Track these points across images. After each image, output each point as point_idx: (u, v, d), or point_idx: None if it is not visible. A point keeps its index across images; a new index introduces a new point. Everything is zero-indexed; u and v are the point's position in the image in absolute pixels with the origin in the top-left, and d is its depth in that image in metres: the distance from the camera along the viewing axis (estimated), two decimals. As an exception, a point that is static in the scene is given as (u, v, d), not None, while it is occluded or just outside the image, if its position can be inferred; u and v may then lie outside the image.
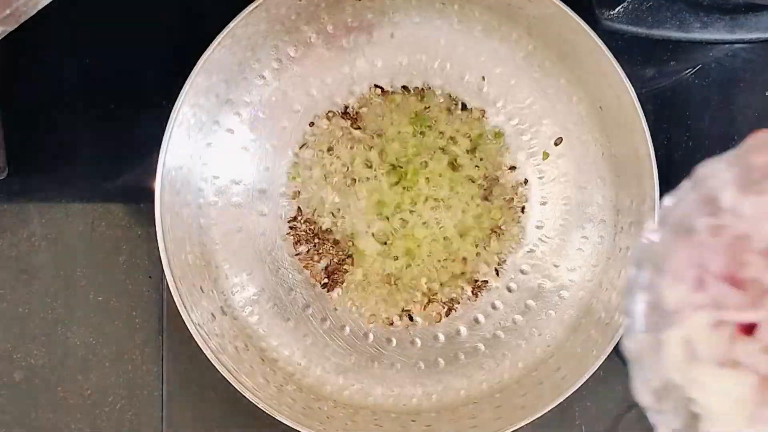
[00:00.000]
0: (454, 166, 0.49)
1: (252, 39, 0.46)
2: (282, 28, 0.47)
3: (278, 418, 0.44)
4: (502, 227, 0.49)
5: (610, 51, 0.43)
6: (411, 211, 0.49)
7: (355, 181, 0.49)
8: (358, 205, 0.49)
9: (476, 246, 0.49)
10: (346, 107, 0.49)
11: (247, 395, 0.44)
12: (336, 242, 0.49)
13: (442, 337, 0.49)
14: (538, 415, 0.43)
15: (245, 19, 0.43)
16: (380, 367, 0.49)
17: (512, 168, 0.49)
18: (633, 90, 0.43)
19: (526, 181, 0.49)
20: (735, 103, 0.52)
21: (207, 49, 0.44)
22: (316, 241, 0.49)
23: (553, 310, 0.48)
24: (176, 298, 0.44)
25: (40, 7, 0.36)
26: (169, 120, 0.44)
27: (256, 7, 0.43)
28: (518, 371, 0.48)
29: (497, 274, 0.49)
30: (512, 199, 0.49)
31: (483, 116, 0.49)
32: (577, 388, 0.43)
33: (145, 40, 0.51)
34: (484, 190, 0.49)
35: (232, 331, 0.47)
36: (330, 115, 0.49)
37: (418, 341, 0.49)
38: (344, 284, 0.49)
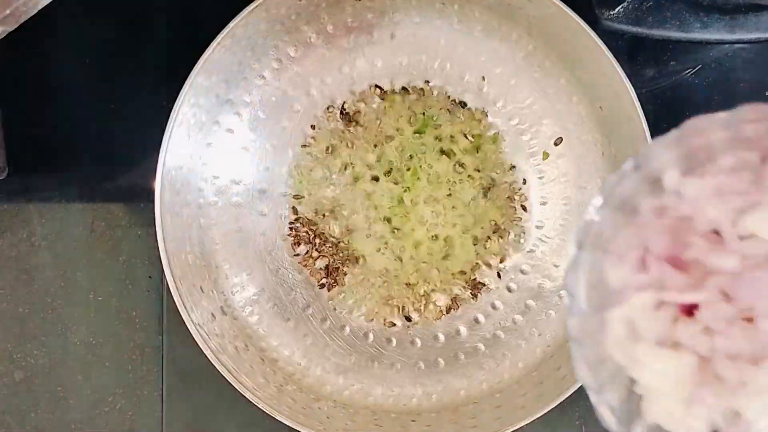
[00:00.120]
0: (454, 166, 0.49)
1: (252, 39, 0.46)
2: (282, 28, 0.47)
3: (278, 418, 0.44)
4: (502, 227, 0.49)
5: (610, 51, 0.43)
6: (411, 211, 0.49)
7: (355, 181, 0.49)
8: (357, 206, 0.49)
9: (476, 246, 0.49)
10: (346, 107, 0.49)
11: (247, 395, 0.44)
12: (336, 242, 0.49)
13: (442, 337, 0.49)
14: (538, 415, 0.43)
15: (245, 19, 0.43)
16: (380, 367, 0.49)
17: (512, 168, 0.49)
18: (633, 90, 0.43)
19: (525, 181, 0.49)
20: (735, 103, 0.52)
21: (207, 49, 0.44)
22: (317, 241, 0.49)
23: (553, 310, 0.48)
24: (176, 298, 0.44)
25: (40, 7, 0.36)
26: (169, 120, 0.44)
27: (256, 7, 0.43)
28: (518, 371, 0.48)
29: (498, 276, 0.49)
30: (512, 199, 0.49)
31: (483, 116, 0.49)
32: (577, 388, 0.43)
33: (145, 40, 0.51)
34: (484, 190, 0.49)
35: (232, 331, 0.47)
36: (330, 115, 0.49)
37: (418, 341, 0.49)
38: (344, 284, 0.49)
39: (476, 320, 0.49)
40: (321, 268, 0.49)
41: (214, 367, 0.44)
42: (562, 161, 0.49)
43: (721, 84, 0.52)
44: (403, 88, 0.49)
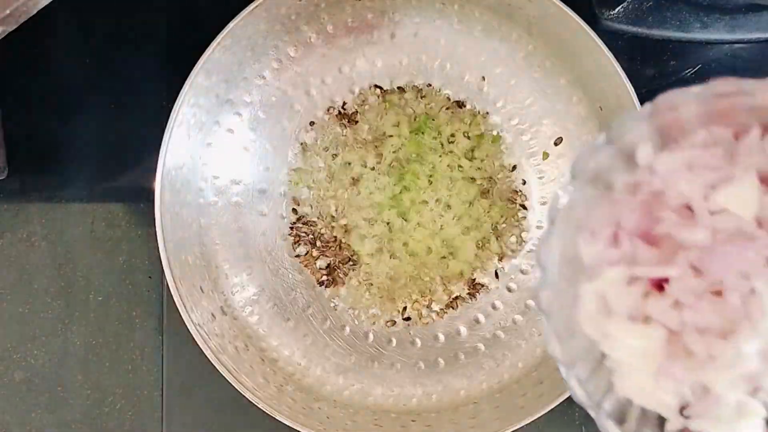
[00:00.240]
0: (453, 166, 0.49)
1: (252, 39, 0.46)
2: (282, 28, 0.47)
3: (278, 418, 0.44)
4: (502, 227, 0.49)
5: (610, 51, 0.43)
6: (411, 212, 0.49)
7: (355, 182, 0.49)
8: (357, 206, 0.49)
9: (476, 246, 0.49)
10: (346, 107, 0.49)
11: (247, 395, 0.44)
12: (336, 243, 0.49)
13: (442, 337, 0.49)
14: (538, 415, 0.43)
15: (245, 19, 0.43)
16: (380, 367, 0.49)
17: (512, 168, 0.49)
18: (633, 90, 0.43)
19: (525, 182, 0.49)
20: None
21: (207, 49, 0.44)
22: (317, 242, 0.49)
23: (553, 310, 0.48)
24: (176, 298, 0.44)
25: (40, 7, 0.37)
26: (169, 120, 0.44)
27: (256, 7, 0.43)
28: (518, 371, 0.48)
29: (497, 276, 0.49)
30: (512, 199, 0.49)
31: (483, 116, 0.49)
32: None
33: (145, 40, 0.51)
34: (484, 190, 0.49)
35: (232, 331, 0.47)
36: (330, 115, 0.49)
37: (418, 341, 0.49)
38: (344, 284, 0.49)
39: (476, 320, 0.49)
40: (321, 267, 0.49)
41: (214, 367, 0.44)
42: (562, 161, 0.49)
43: (721, 84, 0.52)
44: (403, 88, 0.49)
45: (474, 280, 0.49)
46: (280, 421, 0.44)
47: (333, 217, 0.49)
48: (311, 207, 0.49)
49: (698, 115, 0.22)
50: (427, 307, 0.49)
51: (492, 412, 0.46)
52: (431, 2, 0.47)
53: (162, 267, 0.44)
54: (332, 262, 0.49)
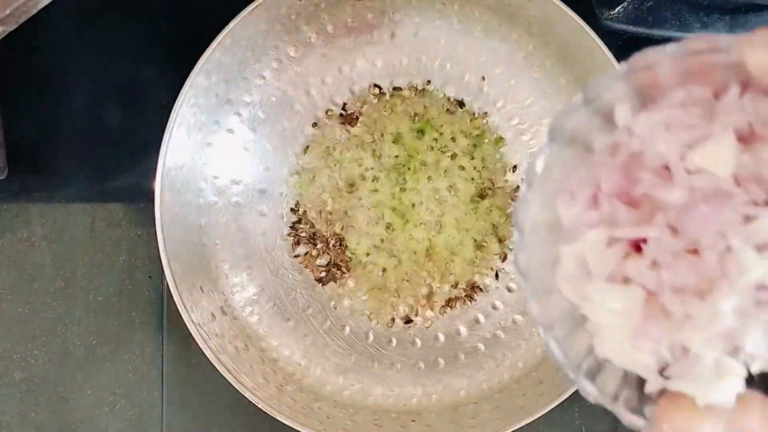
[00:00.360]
0: (453, 166, 0.49)
1: (252, 39, 0.46)
2: (282, 28, 0.47)
3: (278, 418, 0.44)
4: (503, 228, 0.49)
5: (610, 51, 0.43)
6: (411, 212, 0.49)
7: (355, 182, 0.49)
8: (357, 206, 0.49)
9: (476, 247, 0.49)
10: (346, 107, 0.49)
11: (247, 395, 0.44)
12: (336, 243, 0.49)
13: (442, 337, 0.49)
14: (538, 415, 0.43)
15: (245, 19, 0.43)
16: (380, 367, 0.49)
17: (513, 168, 0.49)
18: (633, 90, 0.43)
19: (526, 181, 0.49)
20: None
21: (207, 49, 0.44)
22: (317, 241, 0.49)
23: (553, 310, 0.48)
24: (176, 298, 0.44)
25: (40, 7, 0.37)
26: (169, 120, 0.44)
27: (256, 7, 0.43)
28: (518, 371, 0.48)
29: (497, 277, 0.49)
30: (512, 199, 0.49)
31: (483, 116, 0.49)
32: (577, 388, 0.43)
33: (145, 40, 0.51)
34: (484, 190, 0.49)
35: (232, 331, 0.47)
36: (330, 115, 0.49)
37: (418, 341, 0.49)
38: (344, 284, 0.49)
39: (476, 320, 0.49)
40: (321, 265, 0.49)
41: (214, 367, 0.44)
42: (562, 161, 0.49)
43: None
44: (403, 88, 0.49)
45: (474, 280, 0.49)
46: (280, 421, 0.44)
47: (333, 217, 0.49)
48: (311, 207, 0.49)
49: (675, 74, 0.22)
50: (427, 307, 0.49)
51: (492, 412, 0.46)
52: (431, 2, 0.47)
53: (162, 267, 0.44)
54: (331, 261, 0.49)
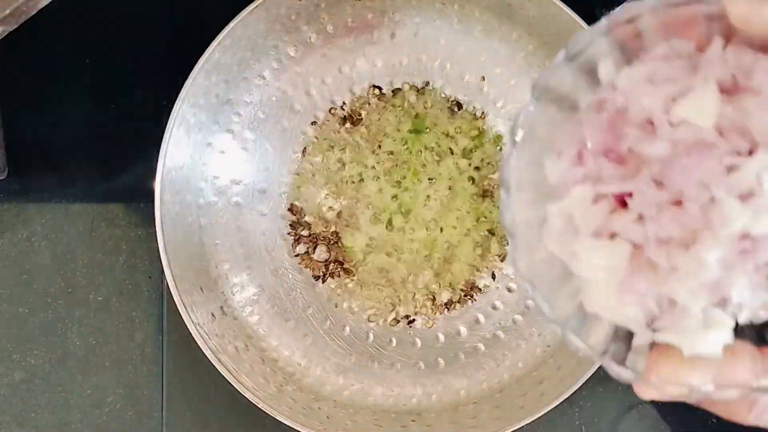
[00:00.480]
0: (453, 166, 0.49)
1: (252, 39, 0.46)
2: (282, 28, 0.47)
3: (278, 418, 0.44)
4: (502, 228, 0.49)
5: (610, 51, 0.43)
6: (411, 212, 0.49)
7: (355, 182, 0.49)
8: (357, 206, 0.49)
9: (476, 247, 0.49)
10: (346, 107, 0.49)
11: (247, 395, 0.44)
12: (336, 243, 0.49)
13: (442, 337, 0.49)
14: (538, 415, 0.43)
15: (245, 19, 0.44)
16: (380, 367, 0.49)
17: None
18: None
19: (526, 181, 0.49)
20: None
21: (207, 49, 0.44)
22: (317, 243, 0.49)
23: (553, 310, 0.48)
24: (176, 298, 0.44)
25: (40, 7, 0.37)
26: (169, 120, 0.44)
27: (256, 7, 0.43)
28: (518, 371, 0.48)
29: (493, 278, 0.49)
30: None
31: (483, 116, 0.49)
32: (577, 388, 0.43)
33: (145, 39, 0.51)
34: (484, 190, 0.49)
35: (232, 331, 0.47)
36: (330, 115, 0.49)
37: (418, 341, 0.49)
38: (344, 284, 0.49)
39: (476, 320, 0.49)
40: (320, 262, 0.49)
41: (214, 367, 0.44)
42: (562, 161, 0.49)
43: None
44: (403, 88, 0.49)
45: (474, 280, 0.49)
46: (280, 421, 0.44)
47: (333, 217, 0.49)
48: (311, 207, 0.49)
49: (657, 27, 0.22)
50: (426, 307, 0.49)
51: (492, 412, 0.46)
52: (431, 2, 0.47)
53: (162, 267, 0.44)
54: (331, 259, 0.49)
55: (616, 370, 0.23)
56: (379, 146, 0.49)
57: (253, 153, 0.49)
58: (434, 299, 0.49)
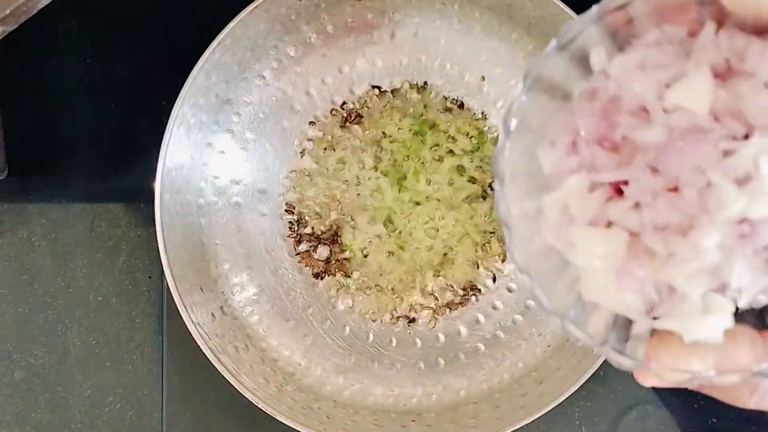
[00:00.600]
0: (454, 166, 0.49)
1: (252, 39, 0.46)
2: (282, 28, 0.47)
3: (278, 418, 0.44)
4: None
5: (610, 51, 0.43)
6: (411, 212, 0.49)
7: (354, 182, 0.49)
8: (357, 206, 0.49)
9: (476, 247, 0.49)
10: (346, 107, 0.49)
11: (247, 395, 0.44)
12: (336, 243, 0.49)
13: (442, 337, 0.49)
14: (538, 415, 0.43)
15: (245, 19, 0.43)
16: (380, 367, 0.49)
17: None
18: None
19: (526, 181, 0.49)
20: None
21: (207, 49, 0.44)
22: (317, 243, 0.49)
23: (553, 310, 0.48)
24: (176, 298, 0.44)
25: (40, 7, 0.37)
26: (169, 120, 0.44)
27: (256, 7, 0.43)
28: (518, 371, 0.48)
29: (494, 278, 0.49)
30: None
31: (483, 116, 0.49)
32: (577, 388, 0.43)
33: (145, 40, 0.51)
34: (485, 190, 0.49)
35: (232, 331, 0.47)
36: (330, 115, 0.49)
37: (419, 341, 0.49)
38: (343, 283, 0.49)
39: (476, 320, 0.49)
40: (321, 261, 0.49)
41: (214, 367, 0.44)
42: (562, 161, 0.49)
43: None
44: (403, 88, 0.49)
45: (473, 281, 0.49)
46: (280, 421, 0.44)
47: (333, 216, 0.49)
48: (311, 207, 0.49)
49: (648, 13, 0.22)
50: (427, 307, 0.49)
51: (492, 412, 0.46)
52: (431, 2, 0.47)
53: (162, 267, 0.44)
54: (331, 259, 0.49)
55: (616, 359, 0.23)
56: (379, 146, 0.49)
57: (253, 153, 0.49)
58: (434, 299, 0.49)
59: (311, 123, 0.49)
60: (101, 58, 0.51)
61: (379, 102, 0.49)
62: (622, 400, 0.50)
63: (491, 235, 0.49)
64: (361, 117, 0.49)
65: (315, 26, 0.48)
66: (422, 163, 0.49)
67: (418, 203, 0.48)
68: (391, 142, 0.49)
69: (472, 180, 0.49)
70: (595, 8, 0.22)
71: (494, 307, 0.49)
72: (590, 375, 0.43)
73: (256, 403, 0.44)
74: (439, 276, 0.49)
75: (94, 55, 0.51)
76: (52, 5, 0.37)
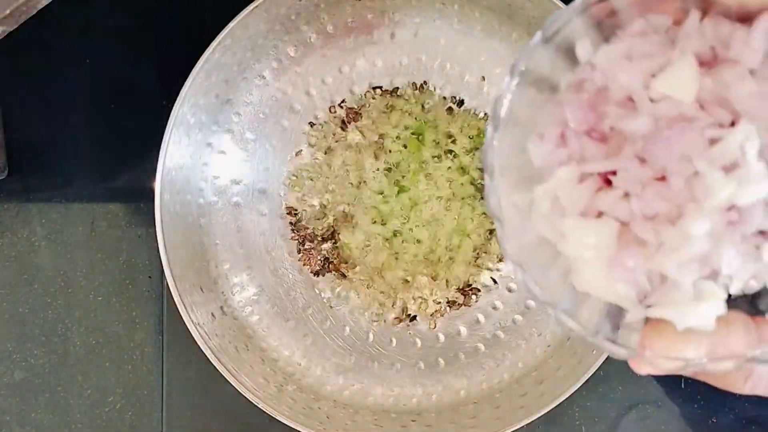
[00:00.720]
0: (454, 166, 0.49)
1: (252, 39, 0.46)
2: (282, 28, 0.47)
3: (278, 418, 0.44)
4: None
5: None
6: (411, 212, 0.49)
7: (354, 182, 0.49)
8: (358, 206, 0.49)
9: (476, 247, 0.49)
10: (346, 107, 0.49)
11: (247, 395, 0.44)
12: (335, 243, 0.49)
13: (442, 337, 0.49)
14: (538, 415, 0.43)
15: (245, 19, 0.43)
16: (380, 367, 0.49)
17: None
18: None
19: (526, 181, 0.49)
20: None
21: (207, 49, 0.44)
22: (317, 243, 0.49)
23: (553, 310, 0.48)
24: (176, 298, 0.44)
25: (40, 7, 0.37)
26: (169, 120, 0.44)
27: (256, 7, 0.43)
28: (518, 371, 0.48)
29: (494, 282, 0.49)
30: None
31: (483, 116, 0.49)
32: (577, 388, 0.43)
33: (145, 40, 0.51)
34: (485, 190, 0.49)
35: (232, 331, 0.47)
36: (330, 115, 0.49)
37: (419, 341, 0.49)
38: (343, 283, 0.49)
39: (476, 320, 0.49)
40: (319, 259, 0.49)
41: (214, 367, 0.44)
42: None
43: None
44: (403, 88, 0.49)
45: (473, 281, 0.49)
46: (280, 421, 0.44)
47: (332, 216, 0.49)
48: (311, 207, 0.49)
49: (633, 3, 0.22)
50: (427, 307, 0.49)
51: (492, 412, 0.46)
52: (431, 2, 0.47)
53: (162, 267, 0.44)
54: (331, 258, 0.49)
55: (610, 348, 0.23)
56: (379, 146, 0.49)
57: (253, 153, 0.49)
58: (434, 299, 0.49)
59: (311, 123, 0.49)
60: (101, 58, 0.51)
61: (379, 102, 0.49)
62: (622, 400, 0.50)
63: (491, 234, 0.49)
64: (361, 117, 0.49)
65: (315, 26, 0.48)
66: (422, 162, 0.49)
67: (417, 203, 0.48)
68: (390, 142, 0.49)
69: (472, 180, 0.49)
70: (578, 0, 0.22)
71: (494, 307, 0.49)
72: (590, 375, 0.43)
73: (256, 403, 0.44)
74: (439, 276, 0.49)
75: (94, 55, 0.51)
76: (52, 5, 0.37)
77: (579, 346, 0.46)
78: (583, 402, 0.50)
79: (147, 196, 0.47)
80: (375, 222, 0.49)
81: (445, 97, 0.49)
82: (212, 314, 0.46)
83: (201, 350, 0.44)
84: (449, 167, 0.49)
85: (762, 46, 0.21)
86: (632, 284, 0.22)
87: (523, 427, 0.44)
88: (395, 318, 0.49)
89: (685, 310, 0.22)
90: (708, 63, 0.22)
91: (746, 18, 0.21)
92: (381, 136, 0.49)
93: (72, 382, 0.50)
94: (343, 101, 0.49)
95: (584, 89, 0.23)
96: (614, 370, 0.49)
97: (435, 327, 0.49)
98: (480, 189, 0.49)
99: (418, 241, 0.48)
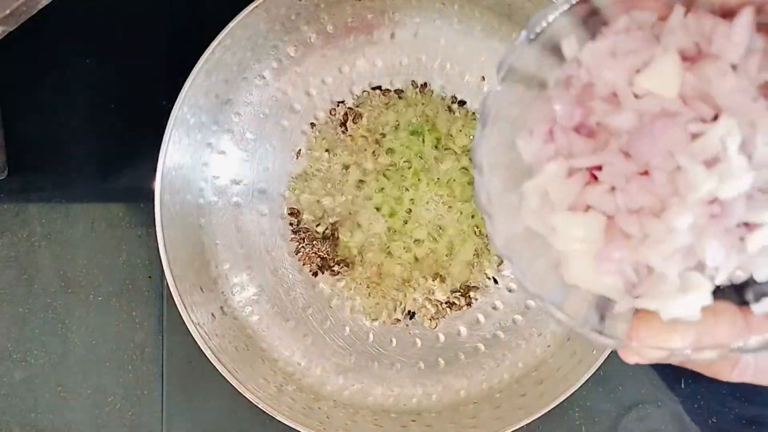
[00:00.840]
0: (454, 166, 0.49)
1: (252, 39, 0.46)
2: (282, 28, 0.47)
3: (278, 418, 0.44)
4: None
5: (610, 51, 0.43)
6: (411, 212, 0.49)
7: (354, 182, 0.49)
8: (357, 206, 0.49)
9: (475, 248, 0.49)
10: (346, 107, 0.49)
11: (247, 395, 0.44)
12: (335, 243, 0.49)
13: (442, 337, 0.49)
14: (538, 415, 0.43)
15: (245, 19, 0.43)
16: (380, 367, 0.49)
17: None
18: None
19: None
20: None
21: (207, 49, 0.44)
22: (317, 243, 0.49)
23: (553, 310, 0.48)
24: (176, 298, 0.44)
25: (40, 7, 0.37)
26: (169, 120, 0.44)
27: (256, 7, 0.43)
28: (518, 371, 0.48)
29: (495, 282, 0.49)
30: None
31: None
32: (577, 388, 0.43)
33: (145, 40, 0.51)
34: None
35: (232, 331, 0.47)
36: (330, 115, 0.49)
37: (419, 341, 0.49)
38: (343, 283, 0.49)
39: (476, 320, 0.49)
40: (319, 259, 0.49)
41: (214, 367, 0.44)
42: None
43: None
44: (403, 88, 0.49)
45: (473, 281, 0.49)
46: (280, 421, 0.44)
47: (332, 216, 0.49)
48: (311, 207, 0.49)
49: (615, 1, 0.23)
50: (427, 307, 0.49)
51: (492, 412, 0.46)
52: (431, 2, 0.47)
53: (162, 267, 0.44)
54: (331, 258, 0.49)
55: (597, 339, 0.23)
56: (379, 146, 0.49)
57: (253, 153, 0.49)
58: (434, 299, 0.49)
59: (311, 123, 0.49)
60: (101, 58, 0.51)
61: (379, 102, 0.49)
62: (622, 400, 0.50)
63: (491, 235, 0.49)
64: (361, 117, 0.49)
65: (315, 26, 0.48)
66: (422, 163, 0.49)
67: (418, 203, 0.48)
68: (391, 141, 0.49)
69: (472, 180, 0.49)
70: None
71: (494, 307, 0.49)
72: (590, 375, 0.43)
73: (256, 403, 0.44)
74: (438, 276, 0.49)
75: (94, 55, 0.51)
76: (52, 5, 0.37)
77: (579, 346, 0.46)
78: (583, 402, 0.50)
79: (147, 196, 0.47)
80: (374, 222, 0.49)
81: (444, 97, 0.49)
82: (212, 314, 0.46)
83: (201, 350, 0.44)
84: (449, 167, 0.49)
85: (743, 41, 0.21)
86: (619, 276, 0.22)
87: (523, 427, 0.44)
88: (395, 318, 0.49)
89: (670, 300, 0.22)
90: (692, 58, 0.22)
91: (729, 13, 0.22)
92: (381, 136, 0.49)
93: (72, 382, 0.50)
94: (343, 101, 0.49)
95: (572, 85, 0.23)
96: (614, 370, 0.49)
97: (434, 327, 0.49)
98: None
99: (418, 241, 0.48)
